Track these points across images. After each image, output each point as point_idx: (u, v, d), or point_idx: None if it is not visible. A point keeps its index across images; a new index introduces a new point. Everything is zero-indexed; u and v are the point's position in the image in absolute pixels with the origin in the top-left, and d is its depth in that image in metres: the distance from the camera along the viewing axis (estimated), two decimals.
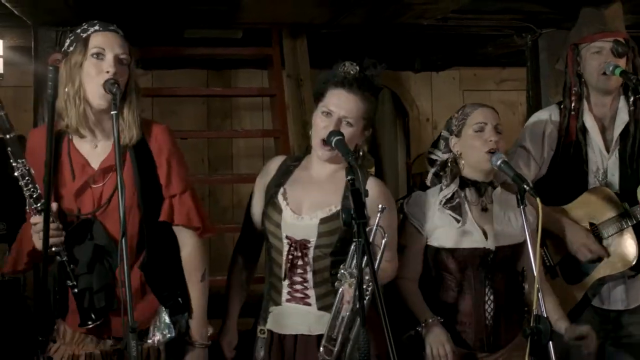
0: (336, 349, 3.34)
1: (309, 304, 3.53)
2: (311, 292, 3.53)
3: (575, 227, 4.05)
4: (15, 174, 3.17)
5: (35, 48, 6.16)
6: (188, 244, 3.49)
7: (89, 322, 3.27)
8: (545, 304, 3.32)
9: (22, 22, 6.09)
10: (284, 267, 3.53)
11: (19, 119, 3.30)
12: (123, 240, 2.94)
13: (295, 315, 3.53)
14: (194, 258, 3.50)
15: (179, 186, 3.44)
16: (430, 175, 3.83)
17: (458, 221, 3.67)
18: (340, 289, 3.34)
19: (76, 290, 3.26)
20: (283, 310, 3.55)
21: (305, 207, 3.55)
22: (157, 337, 3.37)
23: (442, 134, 3.86)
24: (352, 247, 3.26)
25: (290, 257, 3.52)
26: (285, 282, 3.54)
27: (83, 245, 3.29)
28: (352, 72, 3.57)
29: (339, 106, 3.51)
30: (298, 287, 3.54)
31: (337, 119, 3.49)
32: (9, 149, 3.18)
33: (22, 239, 3.37)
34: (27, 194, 3.17)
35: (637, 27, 6.02)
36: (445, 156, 3.79)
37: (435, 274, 3.73)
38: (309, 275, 3.52)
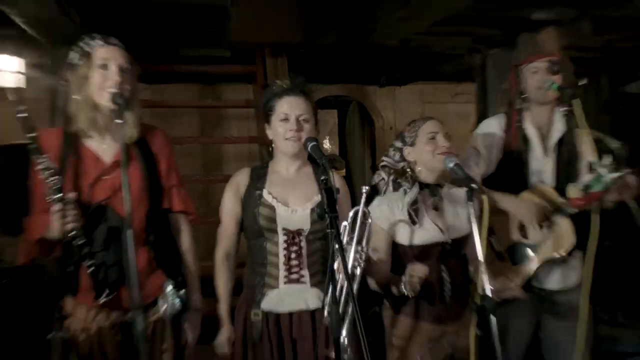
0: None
1: (304, 282, 3.60)
2: (305, 272, 3.61)
3: (518, 200, 4.10)
4: (39, 167, 3.17)
5: (51, 65, 6.17)
6: (184, 228, 3.60)
7: (104, 296, 3.31)
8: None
9: (40, 43, 6.11)
10: (281, 255, 3.60)
11: (37, 126, 3.31)
12: (129, 232, 3.02)
13: (293, 295, 3.59)
14: (189, 239, 3.62)
15: (176, 179, 3.55)
16: (390, 183, 3.87)
17: (415, 223, 3.72)
18: (336, 262, 3.42)
19: (93, 268, 3.29)
20: (281, 292, 3.59)
21: (292, 202, 3.62)
22: (165, 307, 3.36)
23: (395, 145, 3.90)
24: (342, 225, 3.45)
25: (287, 245, 3.60)
26: (283, 268, 3.60)
27: (99, 228, 3.33)
28: (285, 85, 3.70)
29: (291, 108, 3.62)
30: (294, 269, 3.60)
31: (295, 118, 3.60)
32: (31, 146, 3.19)
33: (29, 231, 3.37)
34: (49, 185, 3.17)
35: (572, 48, 6.10)
36: (400, 165, 3.84)
37: (398, 266, 3.77)
38: (304, 258, 3.60)
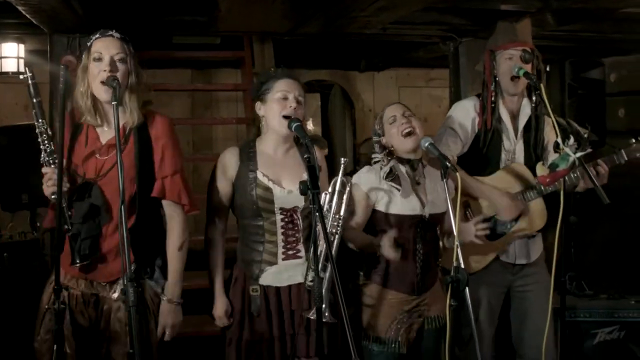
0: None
1: (300, 257, 3.58)
2: (301, 247, 3.59)
3: (497, 192, 4.08)
4: (36, 131, 3.22)
5: (50, 51, 6.12)
6: (174, 218, 3.48)
7: (77, 262, 3.31)
8: None
9: (39, 30, 6.05)
10: (279, 233, 3.56)
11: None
12: (122, 207, 2.96)
13: (291, 269, 3.57)
14: (176, 230, 3.48)
15: (170, 169, 3.42)
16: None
17: (398, 190, 3.69)
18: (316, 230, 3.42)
19: (68, 234, 3.30)
20: (280, 267, 3.56)
21: (285, 182, 3.57)
22: (117, 293, 3.36)
23: (373, 139, 3.89)
24: (323, 197, 3.48)
25: (284, 223, 3.56)
26: (282, 245, 3.56)
27: (83, 202, 3.32)
28: (283, 71, 3.68)
29: (291, 89, 3.58)
30: (291, 245, 3.58)
31: (294, 97, 3.56)
32: (34, 110, 3.24)
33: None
34: (42, 147, 3.23)
35: (537, 37, 6.08)
36: (383, 153, 3.80)
37: (376, 233, 3.75)
38: (300, 234, 3.58)
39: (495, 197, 4.09)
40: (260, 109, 3.65)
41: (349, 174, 3.90)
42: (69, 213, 3.30)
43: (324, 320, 3.30)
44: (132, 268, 3.23)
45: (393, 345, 3.70)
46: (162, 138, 3.44)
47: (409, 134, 3.69)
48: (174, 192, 3.44)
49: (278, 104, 3.55)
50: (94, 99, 3.34)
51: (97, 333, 3.42)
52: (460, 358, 4.01)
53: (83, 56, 3.37)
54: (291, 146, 3.68)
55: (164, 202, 3.48)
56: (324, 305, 3.30)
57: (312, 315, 3.36)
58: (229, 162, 3.63)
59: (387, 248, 3.57)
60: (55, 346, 3.10)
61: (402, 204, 3.70)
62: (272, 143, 3.65)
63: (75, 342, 3.36)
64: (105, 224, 3.35)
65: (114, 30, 3.41)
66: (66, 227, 3.28)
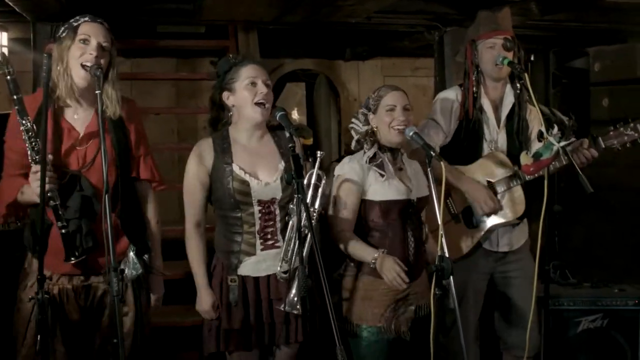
0: (291, 267, 3.45)
1: (278, 247, 3.54)
2: (279, 237, 3.55)
3: (477, 184, 4.10)
4: (21, 128, 3.18)
5: (33, 40, 6.08)
6: (149, 195, 3.62)
7: (72, 258, 3.27)
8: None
9: (22, 18, 6.00)
10: (257, 224, 3.53)
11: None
12: (106, 196, 2.96)
13: (270, 259, 3.54)
14: (154, 207, 3.63)
15: (144, 148, 3.54)
16: (354, 142, 3.83)
17: (382, 175, 3.67)
18: (291, 221, 3.47)
19: (63, 231, 3.25)
20: (258, 258, 3.54)
21: (261, 173, 3.54)
22: (127, 273, 3.37)
23: (361, 110, 3.84)
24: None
25: (262, 214, 3.53)
26: (259, 236, 3.54)
27: (73, 196, 3.29)
28: (239, 57, 3.68)
29: (258, 74, 3.57)
30: (269, 236, 3.55)
31: (262, 82, 3.55)
32: (16, 107, 3.20)
33: (1, 193, 3.36)
34: (29, 146, 3.18)
35: (521, 27, 6.10)
36: (365, 128, 3.78)
37: (364, 222, 3.73)
38: (277, 224, 3.55)
39: (473, 190, 4.10)
40: (228, 98, 3.62)
41: (337, 160, 3.89)
42: (63, 211, 3.25)
43: (294, 311, 3.36)
44: (133, 250, 3.42)
45: (387, 334, 3.66)
46: (134, 120, 3.51)
47: (399, 131, 3.67)
48: (147, 170, 3.56)
49: (248, 92, 3.54)
50: (71, 80, 3.31)
51: (91, 323, 3.42)
52: (443, 345, 4.04)
53: (64, 35, 3.32)
54: (264, 132, 3.66)
55: (136, 182, 3.56)
56: (292, 294, 3.37)
57: (282, 307, 3.40)
58: (204, 153, 3.59)
59: (391, 273, 3.48)
60: (38, 336, 3.08)
61: (388, 190, 3.68)
62: (246, 132, 3.61)
63: (69, 338, 3.36)
64: (98, 214, 3.32)
65: (101, 19, 3.40)
66: (61, 224, 3.25)
